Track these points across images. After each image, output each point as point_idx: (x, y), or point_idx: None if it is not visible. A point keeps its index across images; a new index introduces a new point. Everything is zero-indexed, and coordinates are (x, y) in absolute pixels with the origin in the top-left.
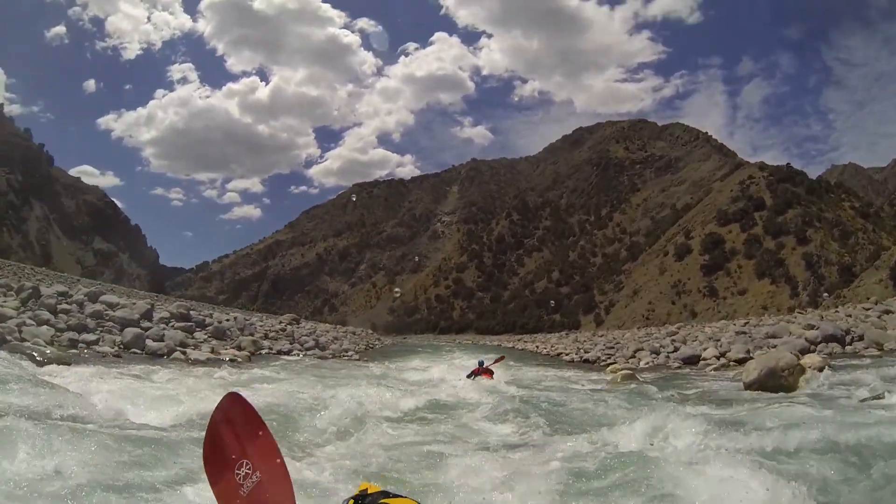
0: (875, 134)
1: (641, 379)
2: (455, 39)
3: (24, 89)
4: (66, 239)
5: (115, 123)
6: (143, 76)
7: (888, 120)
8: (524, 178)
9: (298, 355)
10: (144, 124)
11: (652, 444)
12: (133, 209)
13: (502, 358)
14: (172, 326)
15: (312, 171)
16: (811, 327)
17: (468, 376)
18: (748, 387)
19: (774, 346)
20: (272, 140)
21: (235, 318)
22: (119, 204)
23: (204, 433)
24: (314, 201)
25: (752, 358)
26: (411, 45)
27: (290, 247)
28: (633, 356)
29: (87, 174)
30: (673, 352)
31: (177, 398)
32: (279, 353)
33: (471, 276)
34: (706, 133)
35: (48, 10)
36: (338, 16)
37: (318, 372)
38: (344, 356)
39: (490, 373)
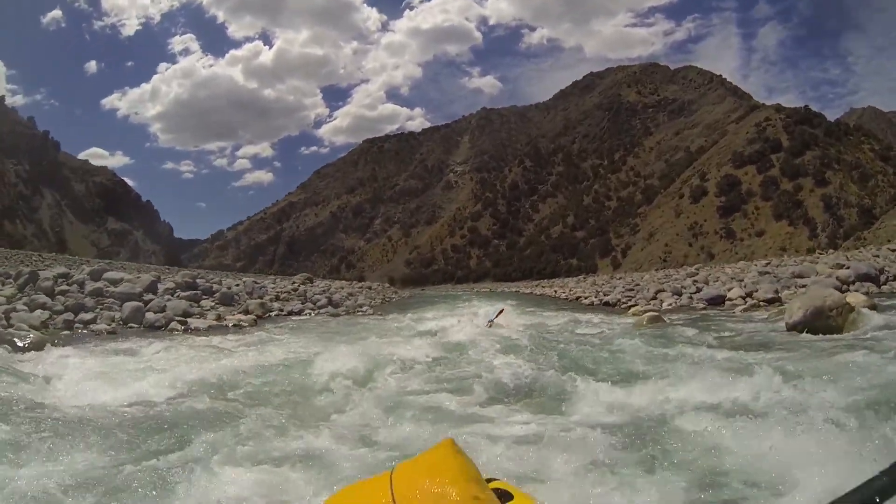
0: (895, 79)
1: (668, 321)
2: None
3: (25, 78)
4: (79, 223)
5: (120, 102)
6: (143, 52)
7: None
8: (535, 125)
9: (310, 314)
10: (149, 100)
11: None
12: (145, 186)
13: (501, 311)
14: (178, 297)
15: (322, 131)
16: (840, 266)
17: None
18: (792, 328)
19: (803, 287)
20: (279, 103)
21: (244, 283)
22: (130, 182)
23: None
24: (325, 161)
25: (779, 298)
26: None
27: (304, 207)
28: (654, 298)
29: (97, 156)
30: (696, 292)
31: (159, 369)
32: (290, 314)
33: (486, 224)
34: (720, 76)
35: None
36: None
37: (326, 329)
38: (358, 312)
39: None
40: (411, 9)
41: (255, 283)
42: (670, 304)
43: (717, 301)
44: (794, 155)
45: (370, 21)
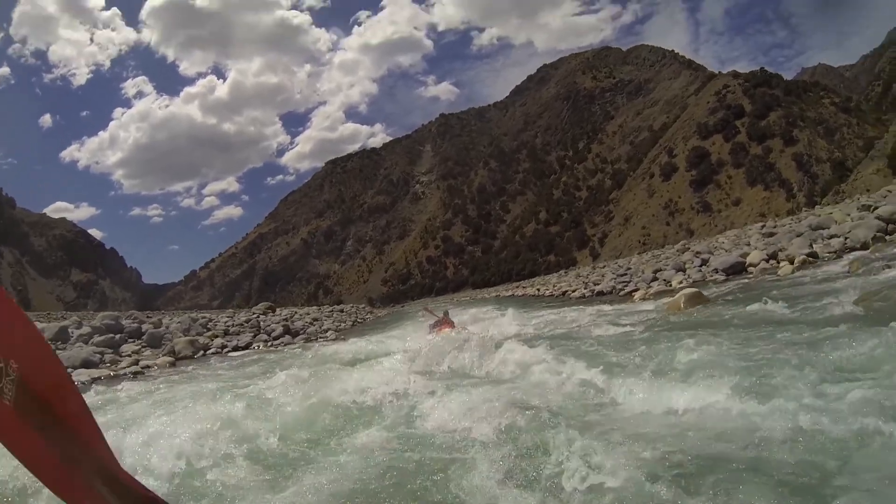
0: (840, 33)
1: (714, 297)
2: (406, 0)
3: None
4: (42, 278)
5: (80, 153)
6: (97, 99)
7: (851, 19)
8: (495, 124)
9: (257, 347)
10: (108, 147)
11: None
12: (114, 235)
13: (445, 315)
14: (92, 343)
15: (285, 159)
16: (867, 208)
17: (430, 332)
18: None
19: (831, 238)
20: (240, 136)
21: (181, 320)
22: (98, 232)
23: None
24: (293, 188)
25: (815, 253)
26: (363, 14)
27: (274, 237)
28: (654, 279)
29: (62, 210)
30: (701, 265)
31: None
32: (236, 348)
33: (458, 231)
34: (672, 51)
35: None
36: None
37: (246, 369)
38: (319, 339)
39: (451, 323)
40: (359, 24)
41: (199, 318)
42: (681, 282)
43: (737, 269)
44: (759, 118)
45: (320, 42)
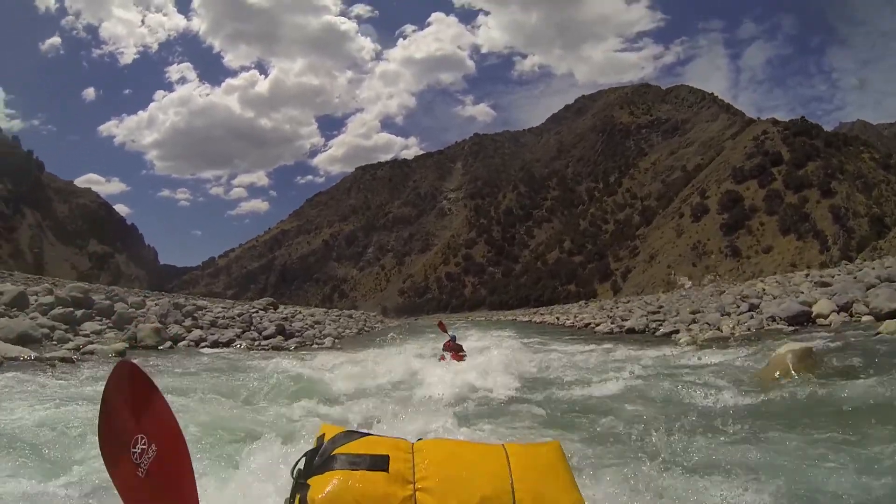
0: (881, 92)
1: (818, 358)
2: (452, 19)
3: (23, 104)
4: (60, 245)
5: (117, 129)
6: (141, 79)
7: (894, 78)
8: (528, 149)
9: (238, 346)
10: (146, 127)
11: None
12: (140, 213)
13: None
14: (50, 315)
15: (317, 160)
16: None
17: (442, 356)
18: None
19: None
20: (275, 132)
21: (161, 303)
22: (126, 208)
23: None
24: (321, 190)
25: None
26: (409, 28)
27: (296, 235)
28: (693, 321)
29: (93, 182)
30: (750, 310)
31: None
32: (214, 344)
33: (480, 251)
34: (712, 94)
35: (41, 22)
36: (333, 3)
37: (200, 374)
38: (315, 345)
39: (459, 353)
40: (404, 38)
41: (187, 304)
42: (733, 328)
43: (801, 319)
44: (797, 167)
45: (364, 51)
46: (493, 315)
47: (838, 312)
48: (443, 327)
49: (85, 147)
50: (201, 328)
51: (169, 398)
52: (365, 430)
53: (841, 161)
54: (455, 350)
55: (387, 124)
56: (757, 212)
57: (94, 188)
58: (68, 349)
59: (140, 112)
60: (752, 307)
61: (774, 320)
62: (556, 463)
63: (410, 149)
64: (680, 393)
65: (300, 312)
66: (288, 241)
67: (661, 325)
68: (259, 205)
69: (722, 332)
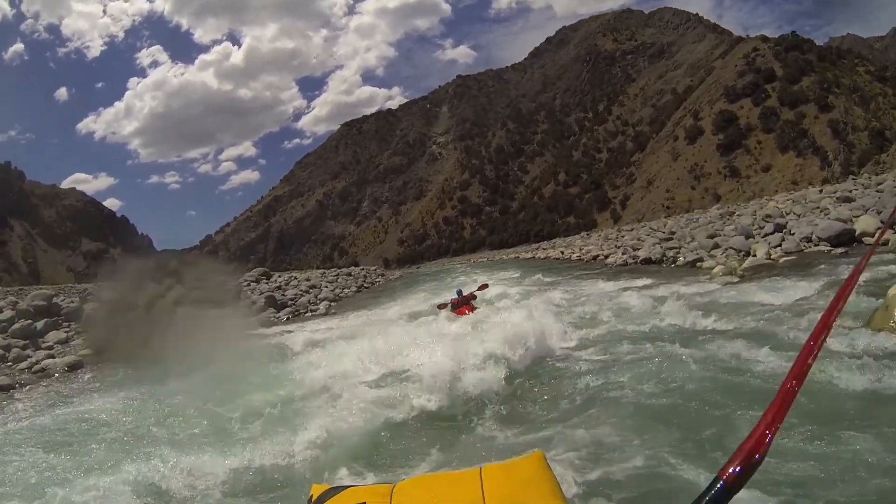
0: (869, 5)
1: None
2: None
3: None
4: (53, 249)
5: (96, 124)
6: (112, 70)
7: None
8: (513, 86)
9: None
10: (124, 117)
11: None
12: (132, 204)
13: (485, 286)
14: (10, 333)
15: (302, 123)
16: None
17: (451, 308)
18: None
19: None
20: (256, 101)
21: None
22: (117, 202)
23: None
24: (309, 151)
25: None
26: None
27: (289, 200)
28: (714, 246)
29: (81, 181)
30: (781, 231)
31: None
32: None
33: (475, 192)
34: (697, 14)
35: (1, 31)
36: None
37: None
38: (309, 312)
39: (469, 304)
40: None
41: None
42: (767, 254)
43: (844, 239)
44: (791, 82)
45: (336, 6)
46: (494, 255)
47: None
48: (469, 298)
49: (67, 148)
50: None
51: None
52: (349, 484)
53: (836, 75)
54: (462, 304)
55: (368, 78)
56: (753, 130)
57: (83, 187)
58: (23, 369)
59: (116, 103)
60: (779, 227)
61: (811, 241)
62: (535, 476)
63: (394, 99)
64: (767, 351)
65: (294, 279)
66: (282, 207)
67: (678, 253)
68: (250, 175)
69: (757, 257)
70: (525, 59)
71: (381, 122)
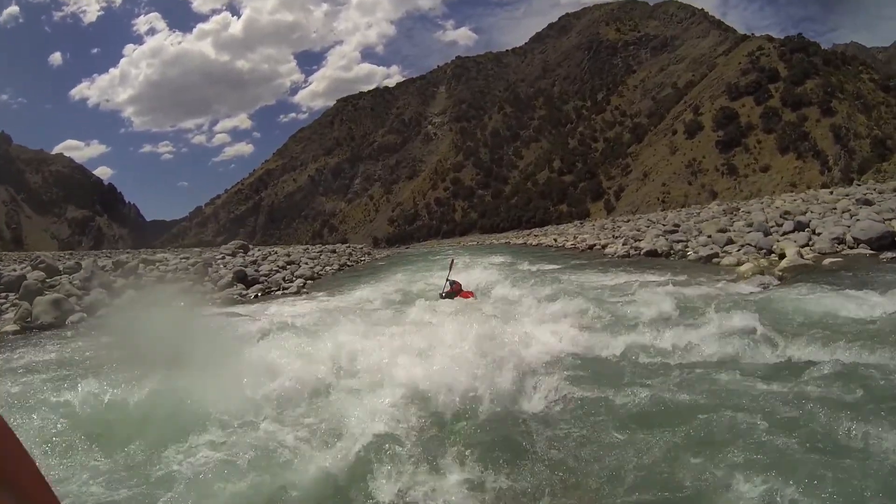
0: (875, 16)
1: None
2: None
3: None
4: (37, 216)
5: (89, 91)
6: (108, 36)
7: (888, 2)
8: (512, 70)
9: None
10: (119, 85)
11: None
12: (124, 172)
13: (452, 262)
14: None
15: (298, 97)
16: None
17: (447, 294)
18: None
19: None
20: (253, 73)
21: (86, 263)
22: (109, 170)
23: None
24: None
25: None
26: None
27: (281, 174)
28: (728, 241)
29: (72, 148)
30: (795, 230)
31: None
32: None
33: (469, 174)
34: (702, 9)
35: None
36: None
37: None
38: (280, 290)
39: (458, 288)
40: None
41: (130, 260)
42: (798, 254)
43: (886, 242)
44: (795, 84)
45: None
46: (485, 239)
47: None
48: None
49: (59, 114)
50: (137, 288)
51: None
52: None
53: (840, 80)
54: (461, 291)
55: (367, 55)
56: (754, 129)
57: (74, 154)
58: None
59: (111, 70)
60: (800, 226)
61: (843, 242)
62: None
63: (392, 78)
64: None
65: (274, 253)
66: (273, 181)
67: (686, 246)
68: (244, 148)
69: (789, 257)
70: (526, 43)
71: (378, 99)
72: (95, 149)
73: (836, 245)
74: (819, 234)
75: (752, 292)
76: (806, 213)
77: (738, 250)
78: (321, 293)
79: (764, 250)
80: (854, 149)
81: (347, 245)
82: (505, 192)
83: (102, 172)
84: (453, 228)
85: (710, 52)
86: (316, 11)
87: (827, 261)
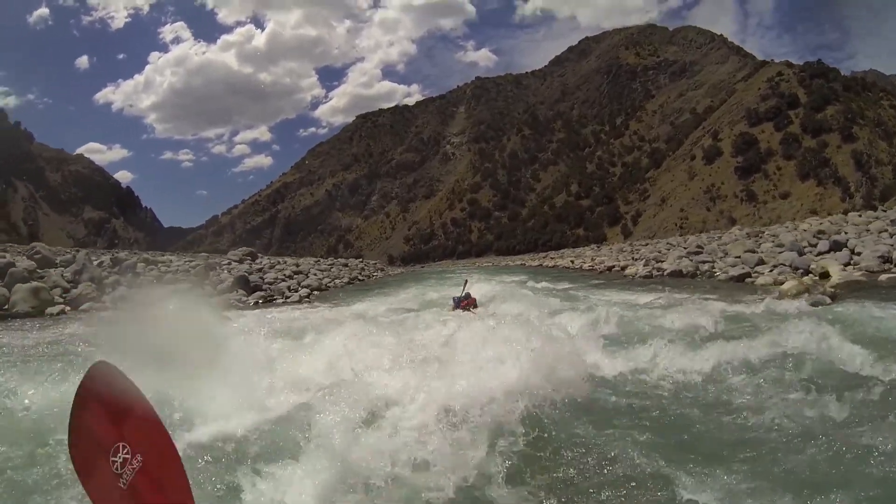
0: (895, 42)
1: None
2: None
3: (16, 80)
4: (55, 214)
5: (114, 95)
6: (135, 43)
7: None
8: (532, 92)
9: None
10: (143, 91)
11: None
12: (144, 177)
13: (466, 281)
14: None
15: (319, 112)
16: None
17: (458, 306)
18: None
19: None
20: (275, 86)
21: (76, 261)
22: (129, 174)
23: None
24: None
25: None
26: None
27: (299, 187)
28: (760, 262)
29: (95, 151)
30: (830, 251)
31: None
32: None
33: (486, 195)
34: (721, 35)
35: None
36: None
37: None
38: (282, 298)
39: (472, 302)
40: None
41: (129, 258)
42: (844, 272)
43: None
44: (815, 110)
45: None
46: (500, 260)
47: None
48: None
49: (83, 116)
50: (122, 285)
51: None
52: None
53: (860, 106)
54: (468, 304)
55: (388, 73)
56: (773, 155)
57: (96, 156)
58: None
59: (136, 76)
60: (836, 245)
61: (888, 261)
62: None
63: (412, 96)
64: None
65: (282, 263)
66: (291, 194)
67: (713, 267)
68: (262, 160)
69: (833, 273)
70: (545, 66)
71: (397, 116)
72: (117, 153)
73: (882, 263)
74: (860, 254)
75: (801, 310)
76: (840, 233)
77: (771, 270)
78: (326, 304)
79: (801, 270)
80: (876, 175)
81: (361, 260)
82: (522, 215)
83: (123, 177)
84: (469, 249)
85: (729, 78)
86: (339, 28)
87: (883, 276)
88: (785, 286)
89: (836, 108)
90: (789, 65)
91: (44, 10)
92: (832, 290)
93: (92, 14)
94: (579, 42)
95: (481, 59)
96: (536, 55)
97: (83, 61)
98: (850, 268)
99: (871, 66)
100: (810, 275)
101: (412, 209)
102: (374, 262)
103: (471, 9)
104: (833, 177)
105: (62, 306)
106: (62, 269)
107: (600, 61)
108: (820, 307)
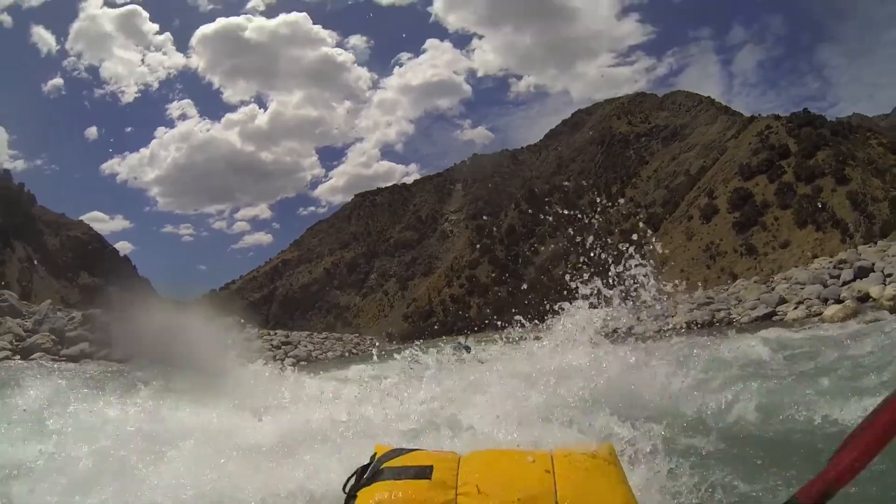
0: (872, 85)
1: None
2: (447, 44)
3: (26, 144)
4: (50, 278)
5: (119, 167)
6: (142, 117)
7: (885, 70)
8: (527, 167)
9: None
10: (148, 164)
11: None
12: (144, 249)
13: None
14: None
15: (318, 191)
16: None
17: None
18: None
19: None
20: (276, 165)
21: (49, 313)
22: (129, 245)
23: None
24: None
25: None
26: (404, 55)
27: (297, 265)
28: (781, 301)
29: (97, 220)
30: (855, 279)
31: None
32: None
33: (484, 271)
34: (709, 97)
35: (44, 64)
36: (329, 35)
37: None
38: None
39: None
40: (400, 66)
41: (99, 315)
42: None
43: None
44: (806, 157)
45: (361, 80)
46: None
47: None
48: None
49: (88, 185)
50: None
51: None
52: (414, 447)
53: (850, 148)
54: None
55: (386, 152)
56: (770, 207)
57: (98, 225)
58: None
59: (142, 149)
60: (863, 272)
61: None
62: (605, 465)
63: (411, 175)
64: None
65: (273, 333)
66: (289, 271)
67: (730, 314)
68: (262, 237)
69: (886, 291)
70: (540, 140)
71: (395, 195)
72: (119, 223)
73: None
74: (890, 274)
75: (858, 330)
76: (861, 260)
77: (796, 308)
78: (308, 374)
79: (831, 300)
80: (873, 213)
81: (357, 335)
82: (522, 289)
83: (123, 247)
84: (468, 325)
85: (720, 137)
86: (339, 108)
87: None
88: (828, 312)
89: (826, 153)
90: (777, 118)
91: (58, 80)
92: (889, 303)
93: (104, 87)
94: (572, 115)
95: (478, 136)
96: (532, 130)
97: (92, 132)
98: (889, 286)
99: (853, 111)
100: (846, 301)
101: (411, 287)
102: (369, 338)
103: (467, 88)
104: (831, 220)
105: (7, 352)
106: (28, 319)
107: (593, 132)
108: (877, 323)
